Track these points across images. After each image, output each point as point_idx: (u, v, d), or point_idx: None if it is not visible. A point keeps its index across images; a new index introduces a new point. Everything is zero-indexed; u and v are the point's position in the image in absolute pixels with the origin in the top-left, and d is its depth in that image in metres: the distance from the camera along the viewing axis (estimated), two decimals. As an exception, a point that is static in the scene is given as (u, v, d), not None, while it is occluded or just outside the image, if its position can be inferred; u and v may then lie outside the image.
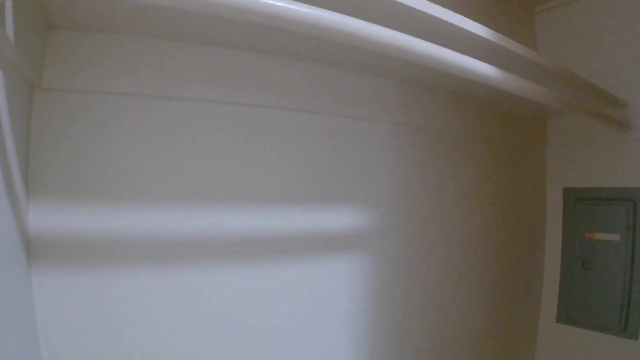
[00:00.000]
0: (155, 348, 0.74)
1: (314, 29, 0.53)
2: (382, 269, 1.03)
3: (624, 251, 1.20)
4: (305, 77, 0.90)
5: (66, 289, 0.67)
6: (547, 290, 1.41)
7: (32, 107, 0.66)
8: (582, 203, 1.32)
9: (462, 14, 0.73)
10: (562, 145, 1.40)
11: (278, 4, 0.49)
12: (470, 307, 1.23)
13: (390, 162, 1.05)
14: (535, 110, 1.32)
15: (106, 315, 0.70)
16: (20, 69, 0.57)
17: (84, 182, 0.69)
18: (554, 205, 1.40)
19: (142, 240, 0.73)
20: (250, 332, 0.84)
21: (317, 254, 0.92)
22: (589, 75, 1.06)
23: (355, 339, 0.98)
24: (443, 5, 0.70)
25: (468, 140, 1.22)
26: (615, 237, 1.22)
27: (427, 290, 1.12)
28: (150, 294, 0.74)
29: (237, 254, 0.82)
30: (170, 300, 0.75)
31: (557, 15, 1.40)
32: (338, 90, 0.95)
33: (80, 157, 0.69)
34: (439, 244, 1.15)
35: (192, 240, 0.78)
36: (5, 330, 0.52)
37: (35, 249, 0.65)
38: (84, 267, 0.68)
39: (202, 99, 0.79)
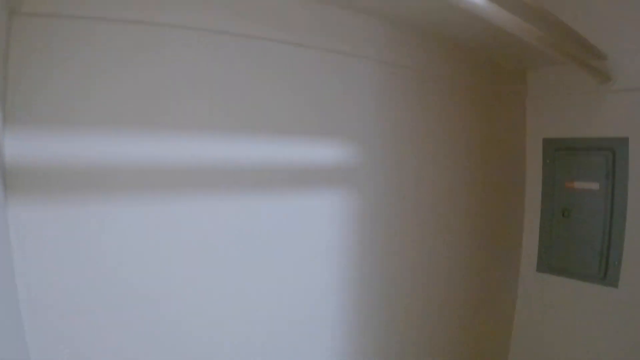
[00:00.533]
0: (133, 279, 0.73)
1: None
2: (367, 207, 1.03)
3: (603, 200, 1.23)
4: (293, 9, 0.88)
5: (44, 221, 0.65)
6: (527, 240, 1.44)
7: (11, 32, 0.62)
8: (561, 153, 1.34)
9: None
10: (542, 96, 1.41)
11: None
12: (452, 254, 1.25)
13: (378, 100, 1.05)
14: (516, 61, 1.33)
15: (85, 246, 0.68)
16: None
17: (64, 109, 0.66)
18: (534, 156, 1.42)
19: (123, 170, 0.71)
20: (232, 265, 0.83)
21: (302, 188, 0.92)
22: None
23: (339, 277, 0.99)
24: None
25: (453, 87, 1.22)
26: (594, 185, 1.25)
27: (410, 232, 1.14)
28: (129, 224, 0.72)
29: (222, 185, 0.81)
30: (153, 231, 0.74)
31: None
32: (327, 25, 0.94)
33: (60, 84, 0.66)
34: (422, 184, 1.16)
35: (176, 170, 0.76)
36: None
37: (12, 180, 0.62)
38: (63, 198, 0.66)
39: (187, 26, 0.76)
